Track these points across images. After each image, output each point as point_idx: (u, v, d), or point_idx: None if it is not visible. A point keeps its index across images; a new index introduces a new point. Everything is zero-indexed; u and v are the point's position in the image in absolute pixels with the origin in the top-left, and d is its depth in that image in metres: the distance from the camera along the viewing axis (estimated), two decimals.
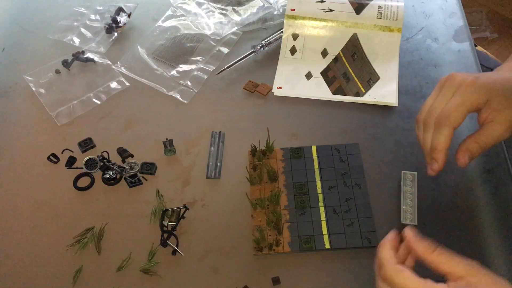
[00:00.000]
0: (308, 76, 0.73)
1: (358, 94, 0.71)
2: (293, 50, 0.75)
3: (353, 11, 0.76)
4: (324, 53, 0.75)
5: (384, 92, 0.71)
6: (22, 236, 0.63)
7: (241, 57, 0.76)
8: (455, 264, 0.43)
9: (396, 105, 0.70)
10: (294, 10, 0.77)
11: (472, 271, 0.43)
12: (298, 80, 0.74)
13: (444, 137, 0.54)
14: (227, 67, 0.75)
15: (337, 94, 0.72)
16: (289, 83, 0.73)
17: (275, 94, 0.73)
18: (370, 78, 0.72)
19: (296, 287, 0.57)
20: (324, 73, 0.73)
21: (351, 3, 0.77)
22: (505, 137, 0.55)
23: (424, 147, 0.57)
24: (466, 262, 0.43)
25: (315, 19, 0.76)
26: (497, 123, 0.54)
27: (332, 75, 0.73)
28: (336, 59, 0.74)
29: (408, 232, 0.47)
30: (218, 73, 0.75)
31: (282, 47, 0.76)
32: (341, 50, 0.75)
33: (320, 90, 0.73)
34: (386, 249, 0.47)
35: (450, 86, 0.55)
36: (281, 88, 0.73)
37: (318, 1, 0.77)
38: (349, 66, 0.73)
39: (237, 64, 0.75)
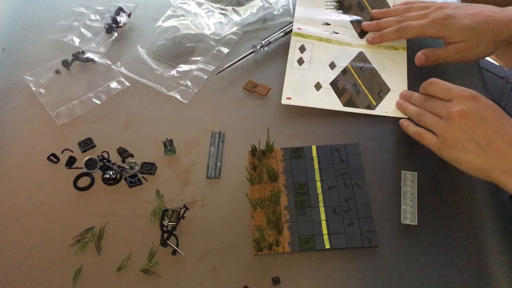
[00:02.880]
0: (317, 86, 0.71)
1: (369, 106, 0.70)
2: (300, 61, 0.75)
3: (357, 35, 0.77)
4: (332, 65, 0.74)
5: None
6: (22, 236, 0.63)
7: (241, 57, 0.76)
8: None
9: (407, 117, 0.68)
10: (300, 29, 0.77)
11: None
12: (306, 89, 0.72)
13: (394, 34, 0.72)
14: (227, 67, 0.75)
15: (348, 106, 0.70)
16: (298, 93, 0.71)
17: (283, 103, 0.71)
18: (381, 90, 0.71)
19: (296, 287, 0.57)
20: (333, 84, 0.72)
21: (355, 28, 0.78)
22: (452, 60, 0.69)
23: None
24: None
25: (320, 39, 0.76)
26: (454, 47, 0.68)
27: (342, 86, 0.72)
28: (345, 71, 0.73)
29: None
30: (218, 73, 0.75)
31: (289, 58, 0.75)
32: (349, 64, 0.75)
33: (330, 101, 0.71)
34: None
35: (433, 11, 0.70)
36: (290, 98, 0.70)
37: (323, 24, 0.77)
38: (358, 78, 0.72)
39: (237, 64, 0.75)
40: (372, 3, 0.80)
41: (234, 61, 0.75)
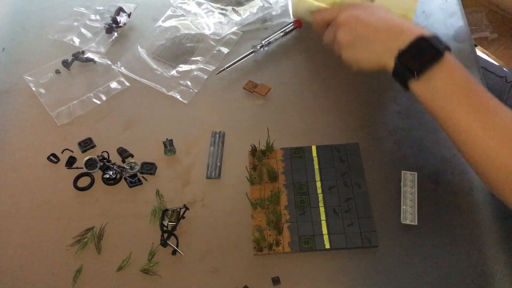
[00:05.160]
0: None
1: None
2: None
3: None
4: None
5: None
6: (22, 236, 0.63)
7: (241, 57, 0.76)
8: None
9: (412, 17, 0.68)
10: None
11: None
12: None
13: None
14: (227, 67, 0.75)
15: None
16: None
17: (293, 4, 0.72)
18: None
19: (296, 287, 0.57)
20: None
21: None
22: None
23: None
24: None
25: None
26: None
27: None
28: None
29: None
30: (218, 73, 0.75)
31: None
32: None
33: None
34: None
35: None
36: None
37: None
38: None
39: (237, 64, 0.75)
40: None
41: (234, 61, 0.75)
